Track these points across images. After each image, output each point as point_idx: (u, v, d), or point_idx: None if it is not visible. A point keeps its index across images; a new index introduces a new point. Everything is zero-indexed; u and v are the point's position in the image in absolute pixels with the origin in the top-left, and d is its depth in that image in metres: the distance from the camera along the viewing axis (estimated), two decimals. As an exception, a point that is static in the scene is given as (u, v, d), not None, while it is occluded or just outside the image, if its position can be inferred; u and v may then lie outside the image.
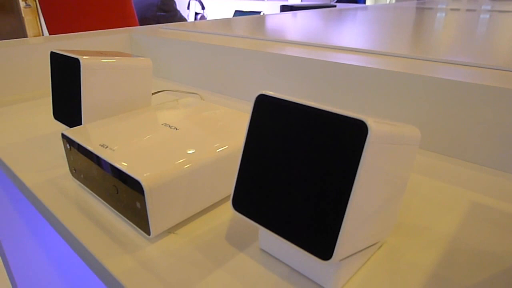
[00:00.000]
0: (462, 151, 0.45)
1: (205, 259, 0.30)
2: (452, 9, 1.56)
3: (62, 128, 0.56)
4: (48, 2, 1.48)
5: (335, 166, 0.22)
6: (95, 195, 0.37)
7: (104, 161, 0.33)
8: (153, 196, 0.30)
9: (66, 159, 0.46)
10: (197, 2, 2.77)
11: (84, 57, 0.42)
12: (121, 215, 0.34)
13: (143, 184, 0.29)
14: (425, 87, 0.46)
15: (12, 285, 0.85)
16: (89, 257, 0.31)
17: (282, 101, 0.25)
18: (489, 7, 1.66)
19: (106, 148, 0.34)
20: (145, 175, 0.30)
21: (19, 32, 3.64)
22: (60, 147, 0.49)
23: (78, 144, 0.37)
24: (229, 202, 0.37)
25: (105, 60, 0.44)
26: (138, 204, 0.31)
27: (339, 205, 0.22)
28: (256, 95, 0.27)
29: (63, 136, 0.39)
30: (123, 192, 0.32)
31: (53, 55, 0.46)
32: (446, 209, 0.36)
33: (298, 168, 0.24)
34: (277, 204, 0.25)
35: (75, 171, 0.40)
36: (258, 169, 0.26)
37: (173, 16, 1.92)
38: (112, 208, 0.35)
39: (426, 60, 0.56)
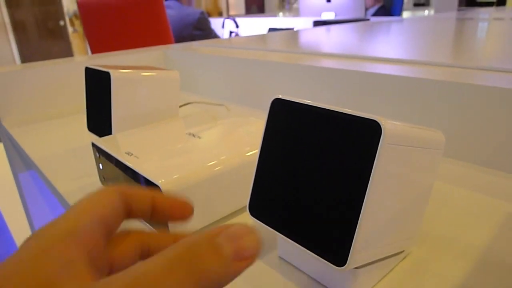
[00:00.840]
0: (499, 161, 0.43)
1: (223, 265, 0.30)
2: (495, 19, 1.49)
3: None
4: (92, 27, 1.57)
5: (350, 168, 0.21)
6: (121, 202, 0.38)
7: (128, 167, 0.34)
8: (172, 201, 0.30)
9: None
10: (232, 21, 2.85)
11: (114, 70, 0.44)
12: (143, 220, 0.35)
13: (162, 188, 0.30)
14: (464, 95, 0.44)
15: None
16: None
17: (296, 104, 0.25)
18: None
19: (131, 155, 0.36)
20: (163, 180, 0.30)
21: (68, 55, 3.88)
22: (93, 158, 0.52)
23: (106, 152, 0.38)
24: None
25: (133, 73, 0.45)
26: (158, 210, 0.31)
27: (353, 208, 0.21)
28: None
29: (93, 145, 0.41)
30: (145, 198, 0.33)
31: (88, 70, 0.48)
32: (478, 220, 0.34)
33: (313, 171, 0.23)
34: (293, 209, 0.24)
35: (104, 179, 0.41)
36: (274, 173, 0.26)
37: (208, 34, 1.98)
38: (136, 215, 0.36)
39: (465, 68, 0.54)
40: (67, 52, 3.99)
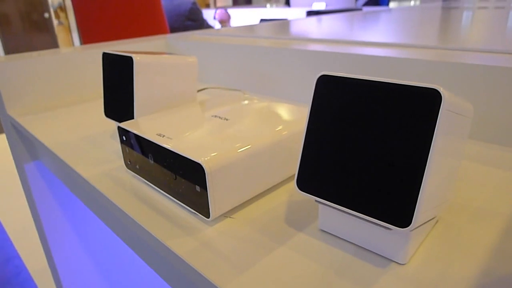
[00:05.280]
0: (504, 137, 0.45)
1: (265, 239, 0.30)
2: (479, 7, 1.52)
3: (111, 127, 0.58)
4: (84, 16, 1.54)
5: (409, 135, 0.23)
6: (151, 184, 0.39)
7: (163, 148, 0.34)
8: (214, 178, 0.31)
9: (118, 155, 0.48)
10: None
11: (136, 55, 0.44)
12: (178, 201, 0.35)
13: (205, 166, 0.30)
14: (451, 73, 0.46)
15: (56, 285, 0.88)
16: (153, 240, 0.33)
17: (347, 79, 0.26)
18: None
19: (163, 136, 0.36)
20: (206, 158, 0.31)
21: (53, 48, 3.79)
22: (110, 144, 0.52)
23: (135, 135, 0.38)
24: (293, 183, 0.39)
25: (155, 58, 0.46)
26: (197, 188, 0.32)
27: (418, 171, 0.22)
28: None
29: (119, 128, 0.41)
30: (182, 177, 0.33)
31: (105, 56, 0.48)
32: (499, 191, 0.35)
33: (367, 142, 0.24)
34: (346, 179, 0.25)
35: (130, 163, 0.41)
36: (323, 147, 0.27)
37: (201, 25, 1.97)
38: (168, 195, 0.37)
39: (451, 49, 0.55)
40: (53, 45, 3.90)
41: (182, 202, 0.35)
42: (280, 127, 0.38)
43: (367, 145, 0.24)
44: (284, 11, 2.58)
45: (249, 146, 0.34)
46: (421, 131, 0.22)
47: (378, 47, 0.62)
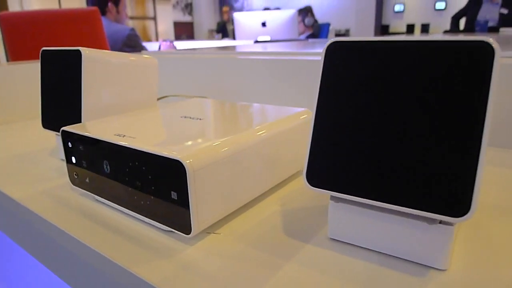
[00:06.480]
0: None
1: (266, 255, 0.24)
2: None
3: (50, 144, 0.49)
4: (16, 44, 1.40)
5: (457, 100, 0.18)
6: (106, 200, 0.31)
7: (124, 148, 0.27)
8: (197, 180, 0.24)
9: (60, 172, 0.39)
10: (169, 43, 2.79)
11: (85, 48, 0.37)
12: (144, 217, 0.28)
13: (185, 163, 0.23)
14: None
15: None
16: (115, 270, 0.24)
17: (366, 42, 0.21)
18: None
19: (123, 136, 0.29)
20: (185, 154, 0.24)
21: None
22: (50, 162, 0.42)
23: (85, 137, 0.30)
24: (287, 188, 0.33)
25: (107, 54, 0.38)
26: (174, 195, 0.25)
27: (474, 143, 0.17)
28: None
29: (63, 133, 0.33)
30: (151, 184, 0.26)
31: (45, 53, 0.40)
32: (506, 188, 0.32)
33: (400, 116, 0.19)
34: (373, 166, 0.20)
35: (77, 177, 0.33)
36: (340, 128, 0.21)
37: (139, 51, 1.90)
38: (130, 211, 0.29)
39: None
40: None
41: (151, 218, 0.27)
42: (265, 126, 0.32)
43: (399, 120, 0.19)
44: (231, 43, 2.60)
45: (234, 144, 0.27)
46: (472, 93, 0.18)
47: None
